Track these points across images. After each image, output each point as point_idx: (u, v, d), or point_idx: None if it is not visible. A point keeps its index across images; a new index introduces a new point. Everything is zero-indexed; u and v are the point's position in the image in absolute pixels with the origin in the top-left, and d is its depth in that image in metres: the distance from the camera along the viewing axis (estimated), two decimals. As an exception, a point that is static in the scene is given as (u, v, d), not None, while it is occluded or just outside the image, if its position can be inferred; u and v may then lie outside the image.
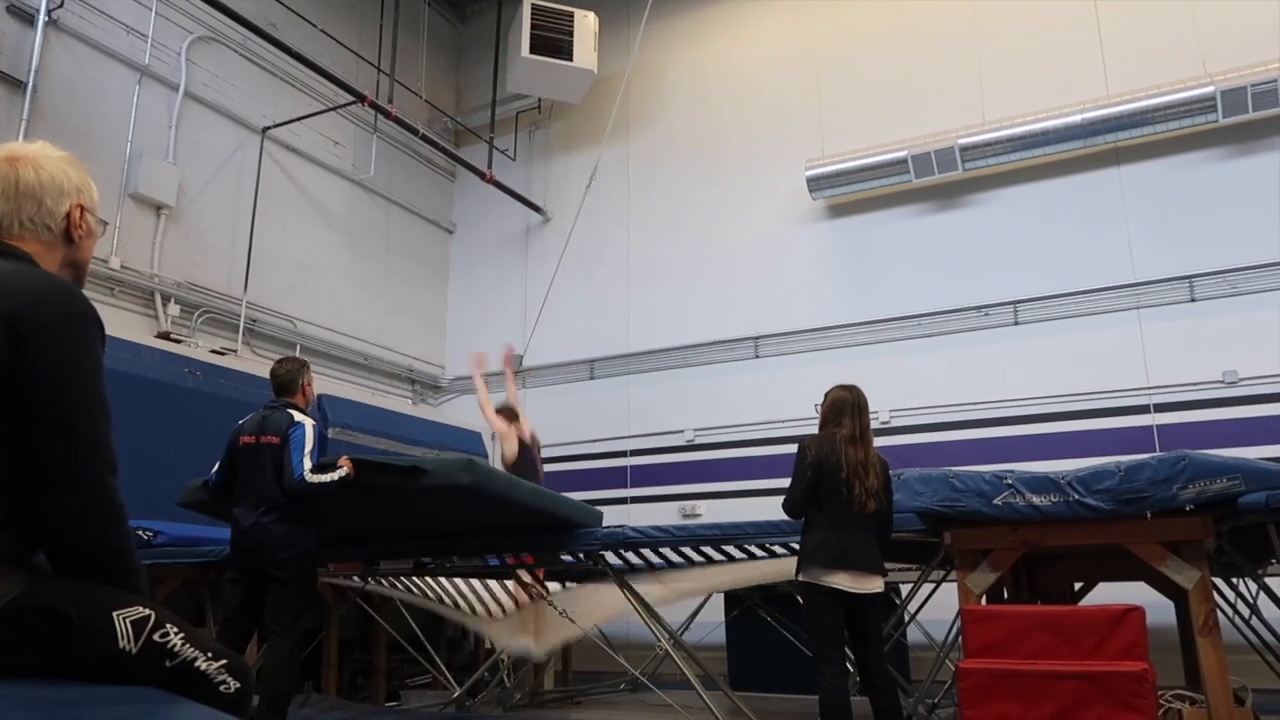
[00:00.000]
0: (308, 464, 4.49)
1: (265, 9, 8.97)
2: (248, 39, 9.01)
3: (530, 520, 5.12)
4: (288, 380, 4.83)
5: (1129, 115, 8.08)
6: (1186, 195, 8.17)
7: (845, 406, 4.21)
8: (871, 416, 4.36)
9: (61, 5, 7.58)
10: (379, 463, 4.80)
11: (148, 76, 8.32)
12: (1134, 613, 3.68)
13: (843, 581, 3.94)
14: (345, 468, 4.61)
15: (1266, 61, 7.58)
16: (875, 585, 4.01)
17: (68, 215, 1.74)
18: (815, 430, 4.33)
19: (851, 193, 9.40)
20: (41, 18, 7.40)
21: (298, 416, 4.66)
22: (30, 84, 7.24)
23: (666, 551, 5.51)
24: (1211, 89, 7.73)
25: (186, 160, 8.58)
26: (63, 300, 1.58)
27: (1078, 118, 8.24)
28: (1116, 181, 8.47)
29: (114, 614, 1.55)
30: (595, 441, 10.25)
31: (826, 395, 4.33)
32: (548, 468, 10.45)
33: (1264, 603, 5.59)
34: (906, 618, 6.21)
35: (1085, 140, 8.32)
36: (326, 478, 4.53)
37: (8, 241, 1.67)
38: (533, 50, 10.01)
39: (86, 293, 1.70)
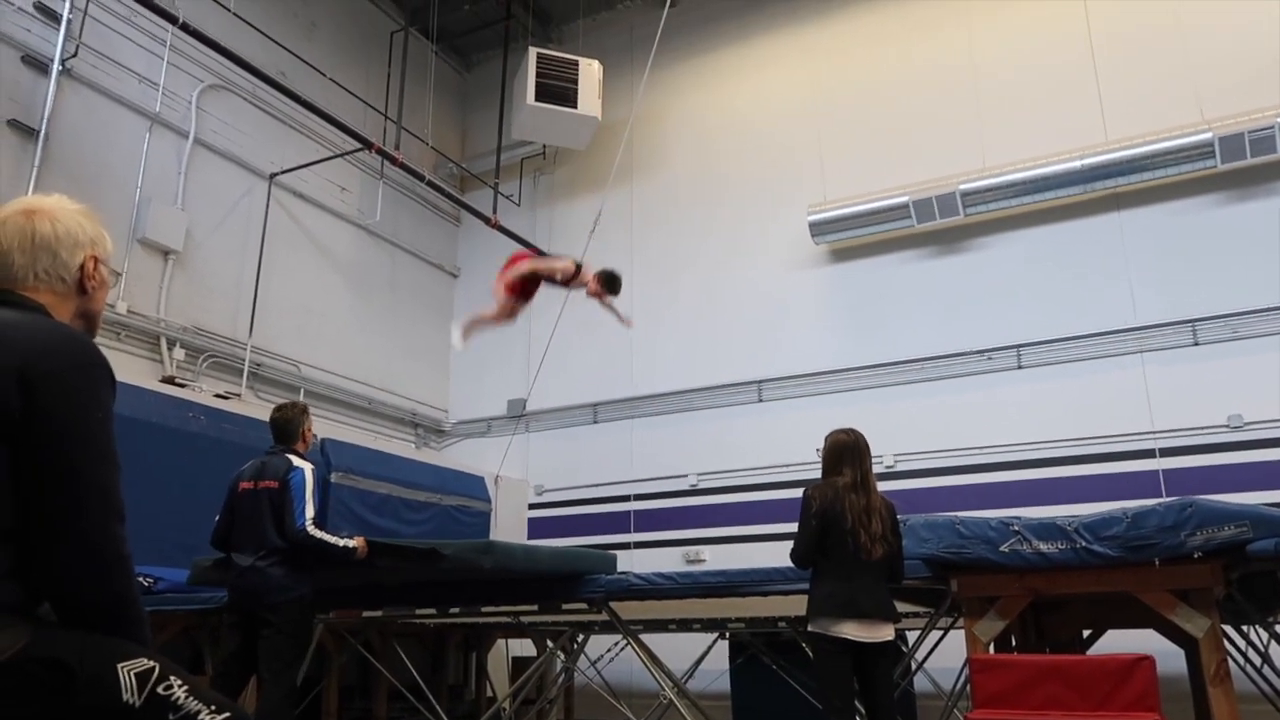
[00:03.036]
0: (310, 512, 4.50)
1: (275, 58, 9.12)
2: (257, 87, 9.14)
3: (544, 576, 5.19)
4: (287, 427, 4.83)
5: (1128, 161, 8.16)
6: (1187, 240, 8.22)
7: (845, 452, 4.19)
8: (875, 461, 4.34)
9: (75, 54, 7.72)
10: (395, 545, 4.84)
11: (158, 124, 8.44)
12: (1145, 662, 3.64)
13: (852, 631, 3.89)
14: (356, 544, 4.62)
15: (1264, 108, 7.67)
16: (885, 633, 3.97)
17: (82, 267, 1.76)
18: (819, 474, 4.31)
19: (854, 237, 9.46)
20: (55, 67, 7.53)
21: (296, 461, 4.67)
22: (43, 131, 7.35)
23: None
24: (1209, 135, 7.81)
25: (195, 206, 8.67)
26: (74, 350, 1.60)
27: (1077, 163, 8.32)
28: (1117, 226, 8.53)
29: (118, 665, 1.55)
30: (598, 486, 10.22)
31: (826, 440, 4.32)
32: (551, 513, 10.42)
33: (1275, 651, 5.52)
34: (914, 666, 6.14)
35: (1085, 185, 8.39)
36: (332, 539, 4.55)
37: (23, 292, 1.69)
38: (538, 98, 10.15)
39: (92, 337, 1.72)
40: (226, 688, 4.41)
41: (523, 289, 6.73)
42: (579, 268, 6.54)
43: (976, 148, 9.02)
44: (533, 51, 10.34)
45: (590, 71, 10.44)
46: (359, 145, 9.66)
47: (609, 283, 6.56)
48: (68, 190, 1.85)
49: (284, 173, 9.63)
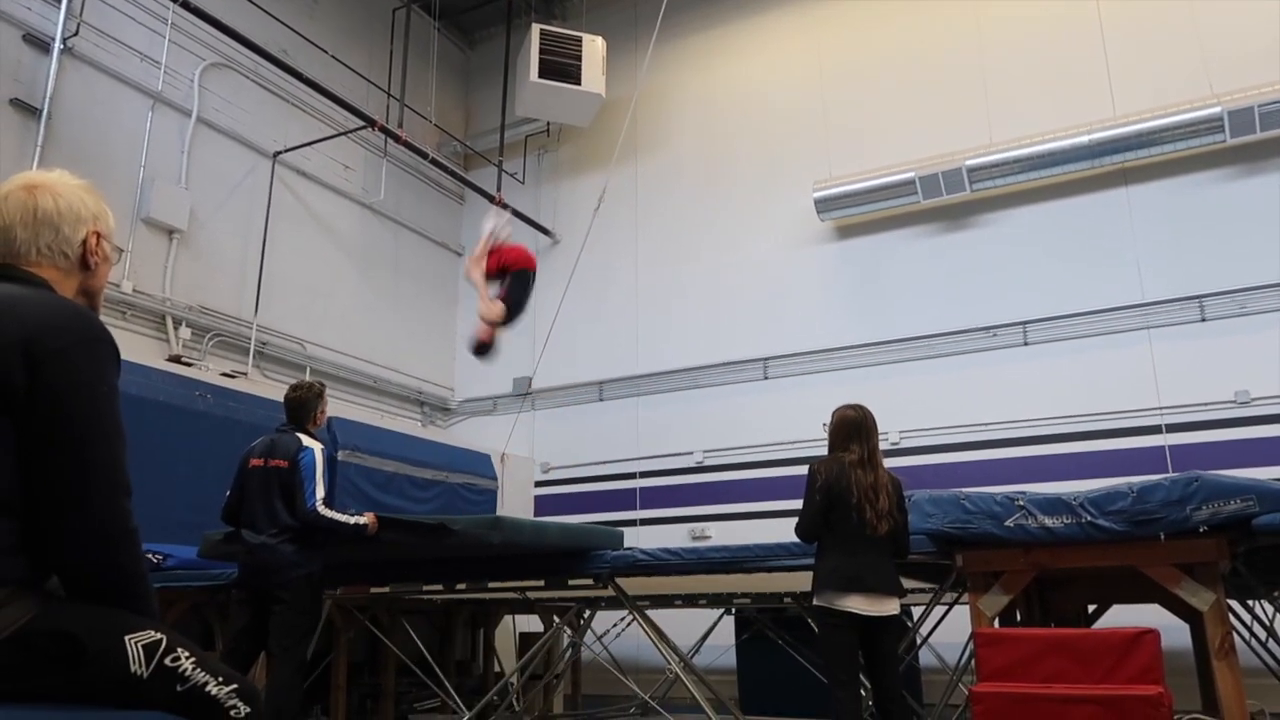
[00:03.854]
0: (320, 493, 4.53)
1: (277, 35, 9.07)
2: (259, 65, 9.10)
3: (552, 552, 5.22)
4: (301, 408, 4.84)
5: (1136, 136, 8.09)
6: (1195, 215, 8.17)
7: (853, 428, 4.19)
8: (881, 437, 4.34)
9: (77, 33, 7.68)
10: (404, 520, 4.87)
11: (161, 102, 8.41)
12: (1149, 635, 3.64)
13: (857, 605, 3.91)
14: (367, 520, 4.65)
15: (1273, 82, 7.60)
16: (890, 607, 3.98)
17: (84, 242, 1.75)
18: (824, 451, 4.31)
19: (860, 214, 9.42)
20: (57, 45, 7.50)
21: (306, 441, 4.69)
22: (45, 110, 7.33)
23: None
24: (1218, 109, 7.74)
25: (198, 185, 8.66)
26: (79, 325, 1.60)
27: (1085, 138, 8.25)
28: (1125, 202, 8.47)
29: (126, 638, 1.56)
30: (604, 463, 10.24)
31: (833, 415, 4.32)
32: (557, 490, 10.46)
33: (1280, 625, 5.53)
34: (919, 640, 6.17)
35: (1093, 161, 8.33)
36: (341, 517, 4.59)
37: (26, 268, 1.69)
38: (541, 75, 10.09)
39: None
40: (237, 663, 4.45)
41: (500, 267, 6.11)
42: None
43: (983, 123, 8.96)
44: (536, 28, 10.28)
45: (594, 48, 10.37)
46: (362, 123, 9.63)
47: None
48: (71, 170, 1.84)
49: (287, 151, 9.60)
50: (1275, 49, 7.87)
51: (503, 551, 5.20)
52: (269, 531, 4.54)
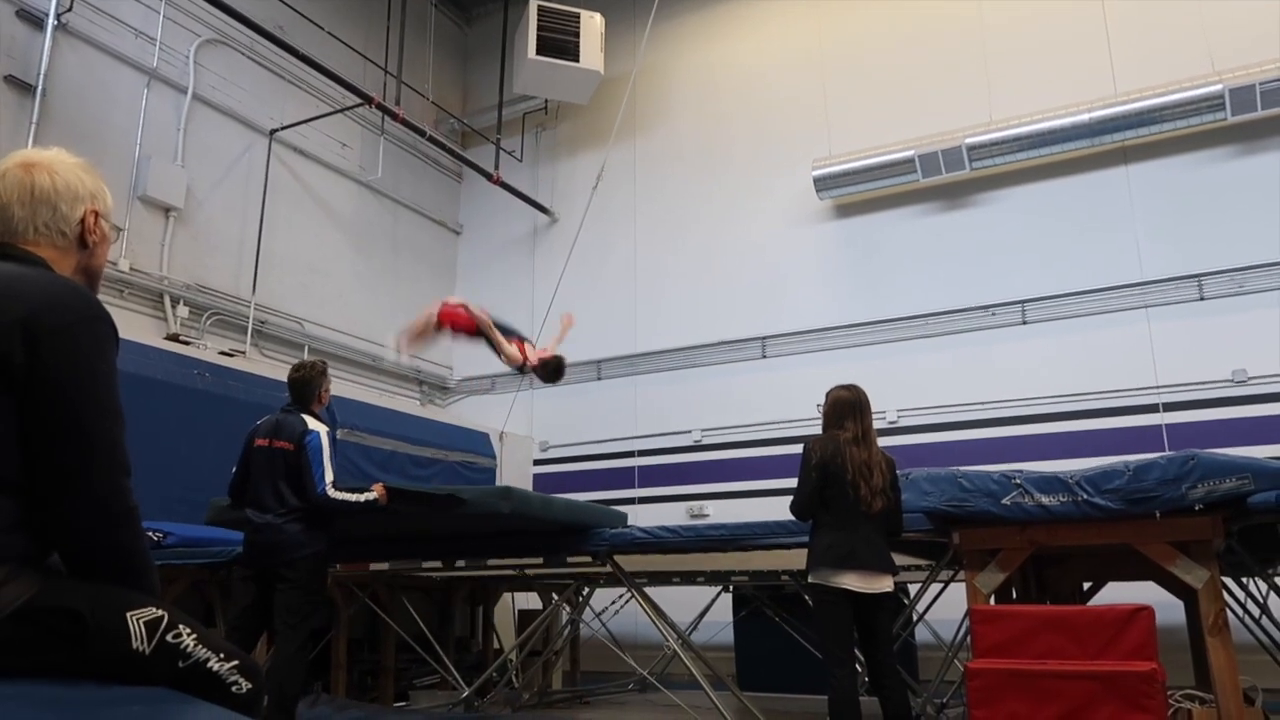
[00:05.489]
0: (329, 476, 4.54)
1: (273, 12, 9.00)
2: (255, 42, 9.04)
3: (556, 529, 5.23)
4: (305, 388, 4.84)
5: (1137, 114, 8.06)
6: (1195, 194, 8.15)
7: (847, 407, 4.22)
8: (878, 416, 4.35)
9: (70, 9, 7.62)
10: (415, 491, 4.87)
11: (156, 79, 8.36)
12: (1143, 612, 3.67)
13: (852, 582, 3.94)
14: (377, 493, 4.66)
15: (1275, 59, 7.56)
16: (885, 585, 4.02)
17: (82, 221, 1.75)
18: (820, 430, 4.33)
19: (859, 192, 9.39)
20: (50, 21, 7.44)
21: (311, 424, 4.69)
22: (39, 87, 7.28)
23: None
24: (1220, 87, 7.70)
25: (195, 163, 8.62)
26: (78, 304, 1.59)
27: (1085, 116, 8.22)
28: (1124, 180, 8.45)
29: (127, 614, 1.56)
30: (602, 442, 10.27)
31: (827, 395, 4.34)
32: (556, 469, 10.49)
33: (1274, 602, 5.58)
34: (915, 617, 6.21)
35: (1093, 139, 8.30)
36: (352, 497, 4.60)
37: (23, 246, 1.68)
38: (539, 51, 10.03)
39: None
40: (240, 640, 4.48)
41: (460, 327, 6.42)
42: (524, 364, 6.23)
43: (983, 101, 8.91)
44: (534, 4, 10.20)
45: (592, 25, 10.30)
46: (359, 101, 9.57)
47: (552, 375, 6.23)
48: (66, 148, 1.83)
49: (284, 129, 9.55)
50: (1277, 27, 7.81)
51: (504, 527, 5.22)
52: (275, 511, 4.55)
